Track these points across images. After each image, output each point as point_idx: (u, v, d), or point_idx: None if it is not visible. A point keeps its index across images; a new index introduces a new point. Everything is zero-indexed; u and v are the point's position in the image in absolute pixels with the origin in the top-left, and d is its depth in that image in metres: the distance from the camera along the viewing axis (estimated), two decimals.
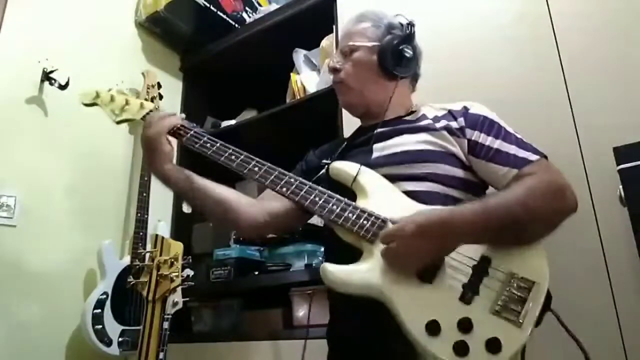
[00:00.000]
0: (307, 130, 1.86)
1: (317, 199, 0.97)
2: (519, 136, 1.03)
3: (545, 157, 0.99)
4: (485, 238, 0.87)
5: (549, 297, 0.83)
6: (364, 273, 0.87)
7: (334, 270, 0.87)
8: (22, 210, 1.66)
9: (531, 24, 1.42)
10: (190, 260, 1.36)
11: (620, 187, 1.06)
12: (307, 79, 2.01)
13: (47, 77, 1.79)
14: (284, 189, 1.00)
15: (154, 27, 2.27)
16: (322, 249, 1.69)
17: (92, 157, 1.94)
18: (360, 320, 0.95)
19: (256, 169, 1.04)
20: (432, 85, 1.29)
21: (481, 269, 0.85)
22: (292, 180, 1.02)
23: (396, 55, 1.11)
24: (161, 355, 1.25)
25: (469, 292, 0.82)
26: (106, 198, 1.96)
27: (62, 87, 1.80)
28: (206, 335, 1.89)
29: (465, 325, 0.79)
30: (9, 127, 1.69)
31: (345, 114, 1.68)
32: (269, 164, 1.06)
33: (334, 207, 0.95)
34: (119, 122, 1.23)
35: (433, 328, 0.79)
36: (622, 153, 1.06)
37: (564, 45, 1.34)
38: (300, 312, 1.65)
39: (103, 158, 1.98)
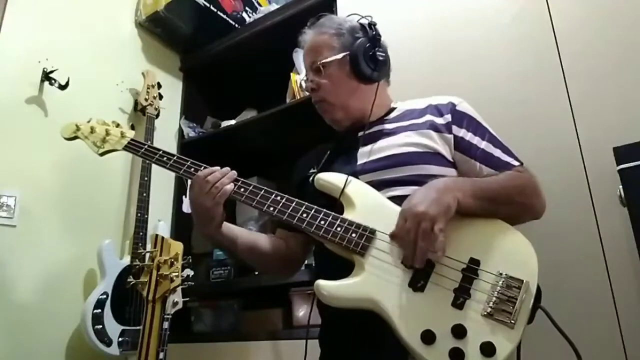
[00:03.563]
0: (307, 130, 1.85)
1: (304, 215, 0.97)
2: (501, 140, 1.06)
3: (522, 164, 1.04)
4: (470, 197, 0.89)
5: (539, 293, 0.83)
6: (357, 287, 0.88)
7: (327, 286, 0.88)
8: (22, 210, 1.66)
9: (531, 24, 1.42)
10: (190, 260, 1.36)
11: (620, 187, 1.06)
12: None
13: (47, 77, 1.79)
14: (271, 209, 1.00)
15: (154, 27, 2.27)
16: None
17: (93, 157, 1.92)
18: (350, 328, 0.95)
19: (242, 190, 1.04)
20: (431, 84, 1.29)
21: (470, 271, 0.85)
22: (279, 198, 1.01)
23: (370, 60, 1.09)
24: (161, 355, 1.25)
25: (460, 297, 0.83)
26: (106, 198, 1.96)
27: (62, 87, 1.80)
28: (206, 335, 1.89)
29: (458, 331, 0.79)
30: (9, 127, 1.69)
31: None
32: (254, 184, 1.04)
33: (322, 222, 0.95)
34: (102, 154, 1.25)
35: (428, 337, 0.80)
36: (622, 153, 1.06)
37: (564, 45, 1.34)
38: (300, 312, 1.65)
39: (103, 158, 1.98)
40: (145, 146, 1.20)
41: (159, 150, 1.16)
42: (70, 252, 1.78)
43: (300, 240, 1.16)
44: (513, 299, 0.80)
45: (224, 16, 2.26)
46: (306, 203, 0.99)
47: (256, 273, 1.83)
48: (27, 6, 1.82)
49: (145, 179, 1.89)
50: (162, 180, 2.10)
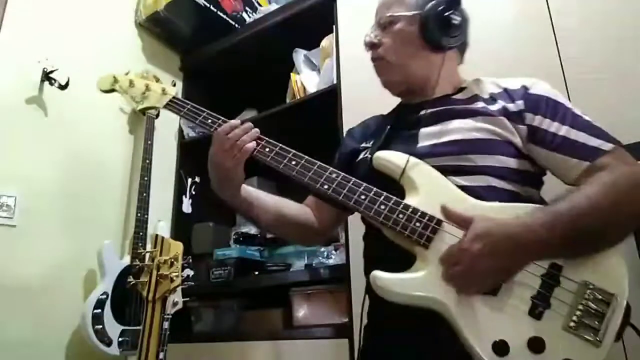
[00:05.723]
0: (307, 130, 1.86)
1: (361, 197, 0.87)
2: (588, 119, 0.90)
3: (620, 144, 0.87)
4: (560, 253, 0.77)
5: (628, 309, 0.75)
6: (420, 283, 0.78)
7: (386, 279, 0.79)
8: (22, 210, 1.66)
9: (531, 24, 1.42)
10: (190, 260, 1.36)
11: None
12: (307, 79, 2.01)
13: (47, 77, 1.79)
14: (325, 187, 0.90)
15: (154, 27, 2.27)
16: (322, 249, 1.69)
17: (93, 157, 1.94)
18: (408, 329, 0.84)
19: (293, 163, 0.95)
20: None
21: (551, 277, 0.75)
22: (334, 175, 0.91)
23: (442, 23, 0.97)
24: (161, 355, 1.25)
25: (539, 306, 0.74)
26: (106, 198, 1.96)
27: (62, 87, 1.81)
28: (206, 335, 1.89)
29: (536, 345, 0.72)
30: (9, 127, 1.69)
31: (346, 114, 1.68)
32: (307, 157, 0.95)
33: (382, 207, 0.85)
34: (141, 111, 1.17)
35: (501, 348, 0.72)
36: None
37: (564, 45, 1.34)
38: (300, 312, 1.65)
39: (103, 158, 1.99)
40: (189, 106, 1.10)
41: (204, 111, 1.08)
42: (70, 252, 1.78)
43: (334, 213, 1.10)
44: (600, 314, 0.72)
45: (224, 16, 2.26)
46: (364, 184, 0.89)
47: (256, 273, 1.83)
48: (27, 6, 1.82)
49: (145, 179, 1.89)
50: (162, 180, 2.11)
